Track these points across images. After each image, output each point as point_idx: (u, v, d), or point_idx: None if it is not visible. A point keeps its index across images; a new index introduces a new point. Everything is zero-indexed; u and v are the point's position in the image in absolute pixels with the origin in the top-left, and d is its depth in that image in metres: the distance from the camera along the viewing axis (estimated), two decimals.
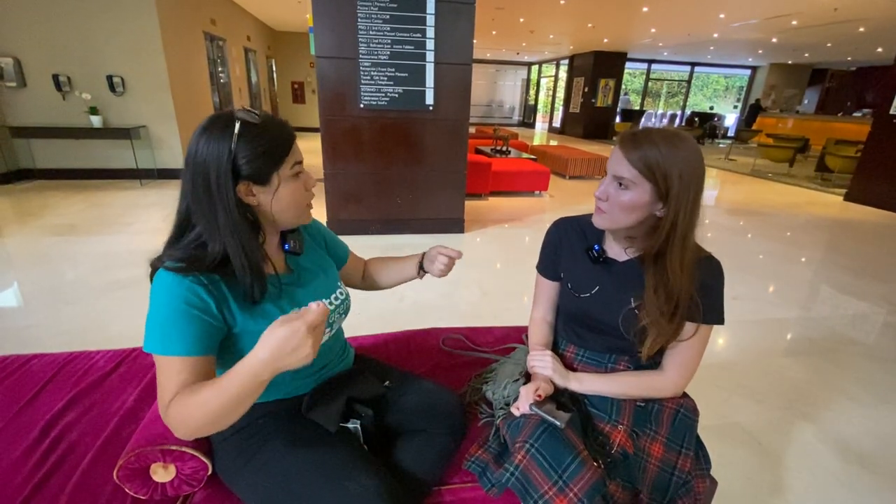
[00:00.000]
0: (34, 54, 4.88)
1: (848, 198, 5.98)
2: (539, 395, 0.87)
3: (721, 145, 12.87)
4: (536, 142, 11.84)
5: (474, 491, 0.91)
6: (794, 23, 7.91)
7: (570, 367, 1.01)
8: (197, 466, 0.85)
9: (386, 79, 3.41)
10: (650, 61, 14.72)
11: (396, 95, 3.47)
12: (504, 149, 6.64)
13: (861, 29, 8.14)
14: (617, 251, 0.95)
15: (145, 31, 5.07)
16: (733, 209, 5.44)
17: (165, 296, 0.69)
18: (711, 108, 16.64)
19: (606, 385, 0.93)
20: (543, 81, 17.63)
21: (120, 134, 5.11)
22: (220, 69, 7.47)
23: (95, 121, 5.06)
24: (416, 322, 1.96)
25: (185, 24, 5.90)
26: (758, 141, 9.77)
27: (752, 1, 6.66)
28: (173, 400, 0.66)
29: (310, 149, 3.88)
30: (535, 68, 17.66)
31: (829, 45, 10.18)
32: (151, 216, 4.14)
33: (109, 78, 5.09)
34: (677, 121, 15.63)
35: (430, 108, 3.55)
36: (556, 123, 15.98)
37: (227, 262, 0.74)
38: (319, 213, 3.24)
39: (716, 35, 9.61)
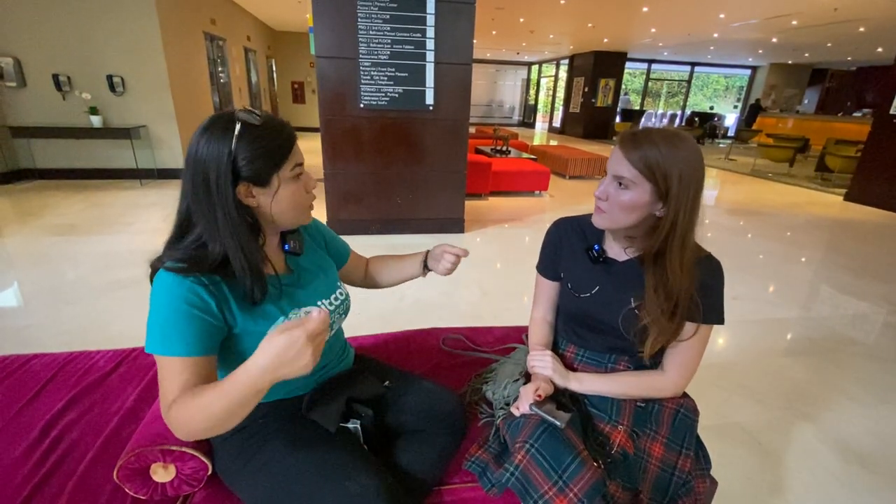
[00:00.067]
0: (34, 54, 4.87)
1: (848, 198, 5.98)
2: (539, 395, 0.87)
3: (721, 145, 12.87)
4: (536, 142, 11.83)
5: (474, 491, 0.91)
6: (794, 23, 7.91)
7: (570, 367, 1.01)
8: (197, 466, 0.85)
9: (386, 79, 3.41)
10: (650, 61, 14.71)
11: (396, 95, 3.47)
12: (504, 149, 6.64)
13: (861, 29, 8.14)
14: (617, 251, 0.95)
15: (145, 30, 5.06)
16: (733, 209, 5.44)
17: (166, 296, 0.69)
18: (711, 108, 16.63)
19: (606, 385, 0.93)
20: (543, 81, 17.62)
21: (120, 134, 5.10)
22: (220, 69, 7.47)
23: (95, 121, 5.06)
24: (416, 322, 1.97)
25: (185, 23, 5.89)
26: (758, 141, 9.77)
27: (752, 1, 6.66)
28: (175, 402, 0.66)
29: (310, 149, 3.87)
30: (535, 68, 17.65)
31: (829, 45, 10.17)
32: (151, 216, 4.14)
33: (109, 78, 5.09)
34: (677, 121, 15.62)
35: (430, 107, 3.55)
36: (556, 123, 15.97)
37: (227, 263, 0.74)
38: (319, 213, 3.23)
39: (716, 35, 9.61)
